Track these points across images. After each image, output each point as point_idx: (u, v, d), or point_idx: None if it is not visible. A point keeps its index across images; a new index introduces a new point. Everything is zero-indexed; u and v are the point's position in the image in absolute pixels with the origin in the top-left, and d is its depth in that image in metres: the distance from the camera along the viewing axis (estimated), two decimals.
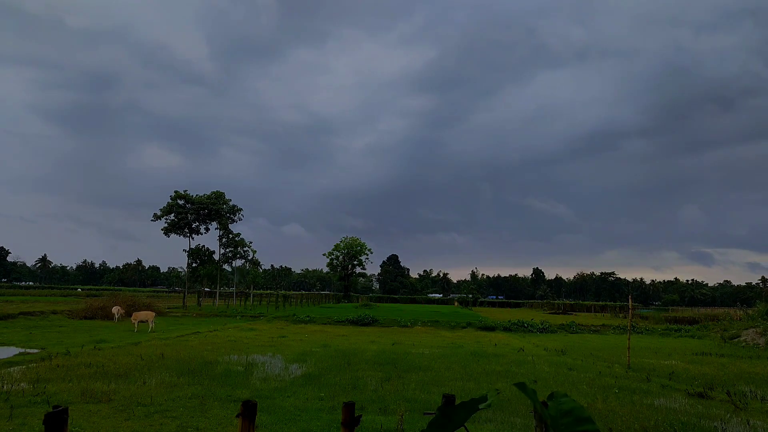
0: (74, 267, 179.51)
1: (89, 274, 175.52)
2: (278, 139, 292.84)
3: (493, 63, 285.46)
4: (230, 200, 54.51)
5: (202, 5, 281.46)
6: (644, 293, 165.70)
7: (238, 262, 60.61)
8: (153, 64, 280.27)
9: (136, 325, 25.57)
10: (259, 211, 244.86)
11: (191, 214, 52.42)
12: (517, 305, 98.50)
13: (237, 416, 3.36)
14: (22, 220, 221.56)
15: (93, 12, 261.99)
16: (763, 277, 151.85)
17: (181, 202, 52.32)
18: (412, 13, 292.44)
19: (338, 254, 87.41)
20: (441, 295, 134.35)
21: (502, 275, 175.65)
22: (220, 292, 57.05)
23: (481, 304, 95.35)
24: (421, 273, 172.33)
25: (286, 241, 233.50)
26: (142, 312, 26.88)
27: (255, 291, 68.38)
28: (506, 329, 32.48)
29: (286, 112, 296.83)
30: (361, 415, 3.83)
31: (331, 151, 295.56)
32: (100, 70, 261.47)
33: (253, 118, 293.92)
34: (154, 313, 26.99)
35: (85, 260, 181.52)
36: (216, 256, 54.94)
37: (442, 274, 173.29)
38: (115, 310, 31.09)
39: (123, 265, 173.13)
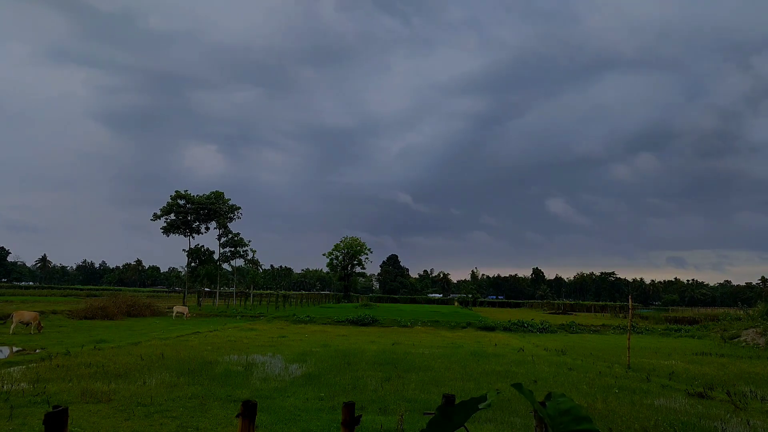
0: (74, 267, 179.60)
1: (89, 274, 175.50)
2: (323, 140, 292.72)
3: (552, 66, 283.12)
4: (229, 200, 54.66)
5: (282, 6, 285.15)
6: (644, 293, 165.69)
7: (238, 262, 60.67)
8: (221, 66, 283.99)
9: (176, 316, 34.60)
10: (277, 211, 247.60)
11: (191, 213, 52.52)
12: (517, 305, 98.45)
13: (237, 416, 3.36)
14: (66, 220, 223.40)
15: (172, 13, 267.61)
16: (763, 277, 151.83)
17: (181, 201, 52.40)
18: (490, 20, 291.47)
19: (338, 254, 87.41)
20: (441, 295, 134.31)
21: (502, 275, 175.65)
22: (220, 292, 57.04)
23: (481, 304, 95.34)
24: (421, 273, 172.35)
25: (296, 241, 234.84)
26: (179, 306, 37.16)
27: (255, 291, 68.37)
28: (506, 329, 32.49)
29: (337, 114, 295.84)
30: (361, 415, 3.83)
31: (370, 153, 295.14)
32: (168, 72, 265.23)
33: (301, 118, 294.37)
34: (187, 307, 36.90)
35: (85, 260, 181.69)
36: (216, 256, 54.99)
37: (442, 274, 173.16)
38: (182, 309, 35.66)
39: (123, 265, 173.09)
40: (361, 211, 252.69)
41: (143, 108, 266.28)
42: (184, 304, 47.58)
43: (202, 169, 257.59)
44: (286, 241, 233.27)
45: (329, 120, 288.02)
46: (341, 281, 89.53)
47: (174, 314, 35.18)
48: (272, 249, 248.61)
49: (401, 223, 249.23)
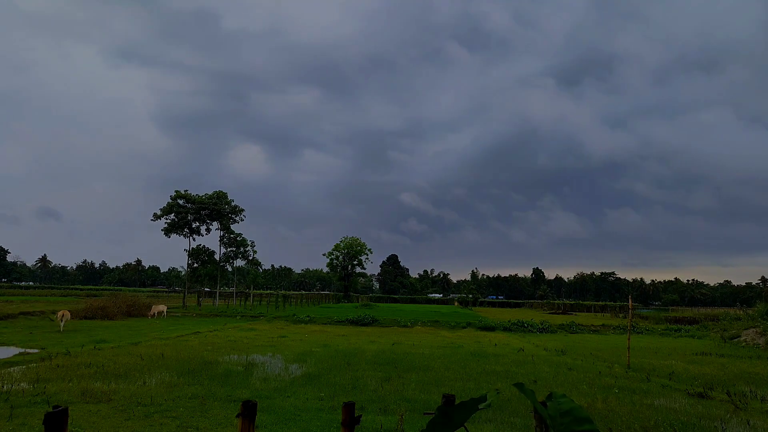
0: (74, 267, 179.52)
1: (89, 274, 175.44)
2: (364, 142, 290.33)
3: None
4: (232, 200, 54.52)
5: (362, 5, 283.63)
6: (644, 293, 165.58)
7: (239, 262, 60.60)
8: (285, 67, 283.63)
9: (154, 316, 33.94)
10: (294, 211, 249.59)
11: (191, 214, 52.30)
12: (517, 305, 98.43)
13: (237, 416, 3.36)
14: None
15: (249, 13, 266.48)
16: (763, 277, 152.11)
17: (181, 201, 52.13)
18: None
19: (338, 254, 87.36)
20: (441, 295, 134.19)
21: (502, 275, 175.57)
22: (220, 292, 57.02)
23: (481, 304, 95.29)
24: (421, 273, 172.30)
25: (304, 240, 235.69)
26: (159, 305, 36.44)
27: (255, 291, 68.38)
28: (506, 329, 32.48)
29: (385, 116, 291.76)
30: (361, 415, 3.83)
31: (408, 155, 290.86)
32: (232, 73, 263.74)
33: (351, 120, 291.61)
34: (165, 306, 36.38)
35: (85, 260, 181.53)
36: (217, 256, 54.91)
37: (442, 274, 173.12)
38: (158, 308, 35.14)
39: (123, 265, 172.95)
40: (372, 211, 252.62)
41: (199, 110, 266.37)
42: (183, 305, 47.61)
43: (236, 169, 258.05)
44: (296, 241, 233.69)
45: (376, 122, 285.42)
46: (341, 281, 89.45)
47: (156, 313, 34.38)
48: (279, 249, 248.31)
49: (405, 223, 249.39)
